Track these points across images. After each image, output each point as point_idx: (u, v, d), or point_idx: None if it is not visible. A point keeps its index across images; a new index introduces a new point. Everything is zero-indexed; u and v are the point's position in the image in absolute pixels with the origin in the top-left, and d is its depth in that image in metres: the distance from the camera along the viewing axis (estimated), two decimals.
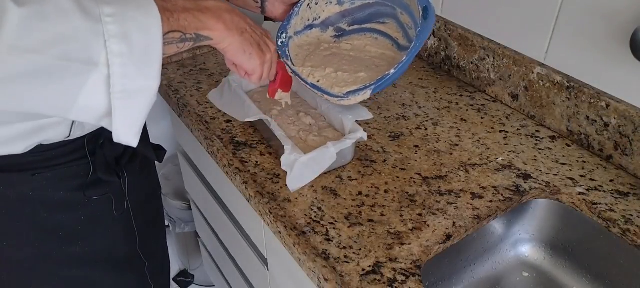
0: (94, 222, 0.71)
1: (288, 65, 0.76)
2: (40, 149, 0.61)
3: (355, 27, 0.86)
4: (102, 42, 0.44)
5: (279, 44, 0.78)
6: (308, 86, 0.74)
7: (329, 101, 0.75)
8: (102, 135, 0.58)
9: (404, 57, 0.71)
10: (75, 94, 0.45)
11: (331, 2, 0.85)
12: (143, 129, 0.79)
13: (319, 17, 0.85)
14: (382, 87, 0.72)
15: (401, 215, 0.69)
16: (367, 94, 0.72)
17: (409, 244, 0.65)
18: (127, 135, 0.50)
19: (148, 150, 0.74)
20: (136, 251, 0.80)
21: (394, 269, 0.61)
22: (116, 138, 0.49)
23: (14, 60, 0.41)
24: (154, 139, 0.85)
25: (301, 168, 0.70)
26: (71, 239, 0.70)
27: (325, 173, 0.74)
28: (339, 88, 0.76)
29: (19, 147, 0.59)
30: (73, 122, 0.61)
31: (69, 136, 0.63)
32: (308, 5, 0.82)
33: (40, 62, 0.42)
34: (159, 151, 0.80)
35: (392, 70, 0.70)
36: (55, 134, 0.61)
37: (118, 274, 0.79)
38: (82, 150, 0.66)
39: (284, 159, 0.70)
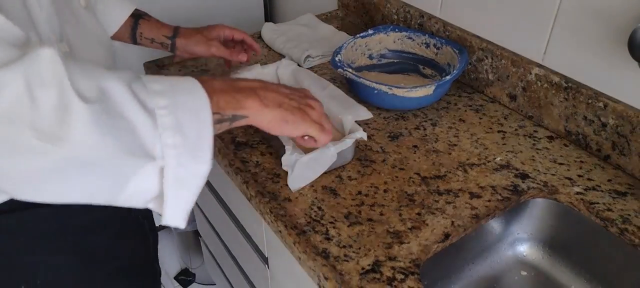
0: (123, 235, 0.72)
1: (348, 72, 0.86)
2: None
3: (384, 75, 1.01)
4: (157, 135, 0.43)
5: (337, 60, 0.89)
6: (374, 84, 0.84)
7: (395, 94, 0.84)
8: None
9: (455, 70, 0.87)
10: (124, 183, 0.44)
11: (364, 55, 1.01)
12: None
13: (354, 63, 0.99)
14: (443, 86, 0.86)
15: (400, 215, 0.69)
16: (430, 89, 0.84)
17: (408, 243, 0.65)
18: (176, 218, 0.48)
19: None
20: (150, 256, 0.82)
21: (393, 268, 0.62)
22: (164, 221, 0.48)
23: (72, 153, 0.40)
24: None
25: (302, 168, 0.70)
26: (108, 257, 0.71)
27: (325, 173, 0.75)
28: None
29: None
30: None
31: None
32: (352, 46, 0.97)
33: (99, 157, 0.41)
34: None
35: (448, 77, 0.86)
36: None
37: (139, 283, 0.80)
38: None
39: (284, 159, 0.70)
